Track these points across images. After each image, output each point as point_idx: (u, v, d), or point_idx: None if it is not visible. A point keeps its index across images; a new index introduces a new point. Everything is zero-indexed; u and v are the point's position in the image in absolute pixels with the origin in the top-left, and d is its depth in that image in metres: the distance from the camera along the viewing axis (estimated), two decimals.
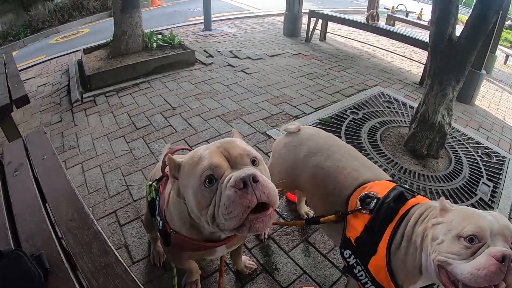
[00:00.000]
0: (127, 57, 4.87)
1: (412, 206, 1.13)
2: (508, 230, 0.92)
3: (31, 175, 1.61)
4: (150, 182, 1.32)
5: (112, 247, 1.18)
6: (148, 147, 2.94)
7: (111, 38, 5.21)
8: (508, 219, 0.97)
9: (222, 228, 0.86)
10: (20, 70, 4.31)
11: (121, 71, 4.34)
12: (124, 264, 1.11)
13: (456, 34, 2.69)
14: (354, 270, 1.18)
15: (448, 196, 2.49)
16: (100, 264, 1.11)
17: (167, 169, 1.04)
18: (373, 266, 1.11)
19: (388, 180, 1.31)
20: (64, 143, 3.08)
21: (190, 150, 1.06)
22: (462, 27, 2.67)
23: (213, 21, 7.31)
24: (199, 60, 5.07)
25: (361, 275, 1.15)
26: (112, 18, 5.08)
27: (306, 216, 2.18)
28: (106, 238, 1.22)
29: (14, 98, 2.67)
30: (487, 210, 2.33)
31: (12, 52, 6.21)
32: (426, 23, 7.93)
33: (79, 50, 5.56)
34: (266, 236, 2.05)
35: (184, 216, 1.03)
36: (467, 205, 2.40)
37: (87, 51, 5.26)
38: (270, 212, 0.85)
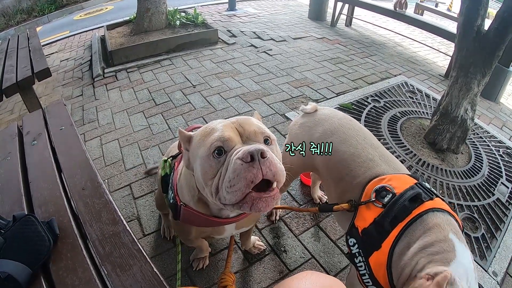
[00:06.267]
0: (150, 34, 4.89)
1: (427, 210, 1.05)
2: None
3: (48, 145, 1.65)
4: (166, 158, 1.32)
5: (122, 217, 1.19)
6: (166, 123, 2.96)
7: (135, 15, 5.22)
8: None
9: (223, 202, 0.84)
10: (43, 45, 4.39)
11: (143, 48, 4.35)
12: (132, 234, 1.12)
13: (485, 27, 2.55)
14: (355, 259, 1.15)
15: (465, 193, 2.40)
16: (108, 232, 1.13)
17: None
18: (374, 260, 1.07)
19: (409, 175, 1.23)
20: (84, 116, 3.14)
21: None
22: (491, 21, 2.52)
23: (238, 1, 7.22)
24: (221, 40, 5.03)
25: (361, 266, 1.12)
26: None
27: (318, 201, 2.17)
28: (116, 208, 1.24)
29: (36, 71, 2.74)
30: (503, 211, 2.30)
31: (36, 27, 6.31)
32: (455, 15, 7.62)
33: (102, 26, 5.61)
34: (278, 218, 2.05)
35: (193, 189, 1.02)
36: (483, 204, 2.32)
37: (110, 27, 5.31)
38: (275, 193, 0.83)
